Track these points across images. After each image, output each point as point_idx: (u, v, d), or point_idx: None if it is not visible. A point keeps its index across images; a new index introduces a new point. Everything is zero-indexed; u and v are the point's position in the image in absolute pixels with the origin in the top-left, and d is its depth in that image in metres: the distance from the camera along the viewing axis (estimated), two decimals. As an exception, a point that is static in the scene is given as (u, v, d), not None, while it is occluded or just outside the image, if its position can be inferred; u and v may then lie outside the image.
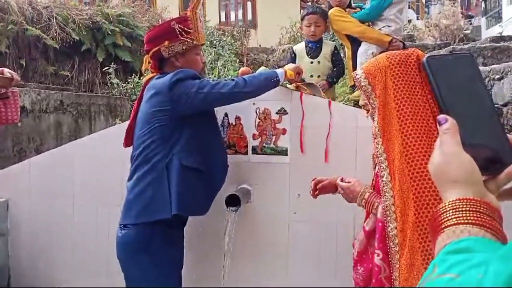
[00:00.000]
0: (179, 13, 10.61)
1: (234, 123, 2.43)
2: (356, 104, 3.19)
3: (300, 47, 3.29)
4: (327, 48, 3.19)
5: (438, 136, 0.66)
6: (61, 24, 6.41)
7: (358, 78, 1.59)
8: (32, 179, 2.66)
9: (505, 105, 3.06)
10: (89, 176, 2.57)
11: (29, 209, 2.65)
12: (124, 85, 5.96)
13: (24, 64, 6.09)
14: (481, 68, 3.58)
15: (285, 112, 2.37)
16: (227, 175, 2.37)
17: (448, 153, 0.63)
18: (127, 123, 2.83)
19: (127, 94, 5.88)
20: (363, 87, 1.57)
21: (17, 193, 2.66)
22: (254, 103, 2.38)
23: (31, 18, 6.29)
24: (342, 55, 3.54)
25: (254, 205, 2.38)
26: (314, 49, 3.19)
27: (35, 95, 3.92)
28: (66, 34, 6.35)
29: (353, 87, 3.25)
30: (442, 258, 0.53)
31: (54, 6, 6.67)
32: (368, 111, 1.63)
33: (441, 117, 0.66)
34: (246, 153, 2.42)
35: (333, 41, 4.30)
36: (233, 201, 2.18)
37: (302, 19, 3.35)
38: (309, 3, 14.69)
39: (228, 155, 2.40)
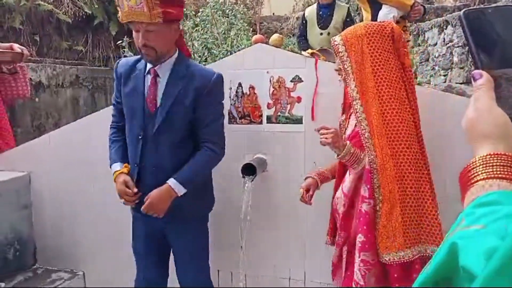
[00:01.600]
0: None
1: (248, 93, 2.41)
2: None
3: (311, 13, 3.21)
4: (339, 15, 3.10)
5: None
6: (73, -2, 6.40)
7: (336, 45, 1.73)
8: (52, 152, 2.71)
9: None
10: (107, 148, 2.60)
11: (50, 182, 2.72)
12: (138, 58, 5.95)
13: (38, 40, 6.13)
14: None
15: (299, 80, 2.34)
16: (243, 144, 2.39)
17: (480, 108, 0.63)
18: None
19: (141, 67, 5.88)
20: (340, 53, 1.72)
21: (39, 167, 2.73)
22: (267, 72, 2.36)
23: (43, -7, 6.28)
24: (358, 19, 3.45)
25: (270, 173, 2.39)
26: (325, 18, 3.10)
27: (51, 70, 3.95)
28: (78, 8, 6.35)
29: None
30: (470, 211, 0.54)
31: (65, -20, 6.64)
32: (341, 75, 1.76)
33: (475, 72, 0.66)
34: (260, 123, 2.41)
35: (348, 2, 4.18)
36: (248, 170, 2.20)
37: None
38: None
39: (242, 125, 2.41)
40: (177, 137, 1.92)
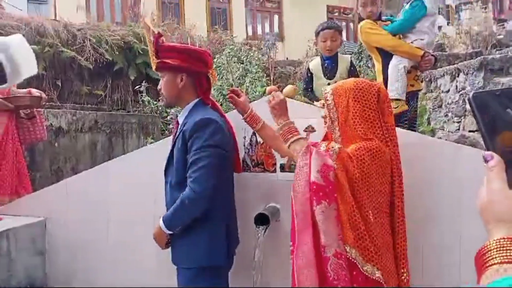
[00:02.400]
0: (207, 30, 10.83)
1: (261, 141, 2.45)
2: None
3: (316, 66, 3.28)
4: (343, 66, 3.18)
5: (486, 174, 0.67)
6: (95, 45, 6.67)
7: (325, 93, 1.87)
8: (69, 199, 2.75)
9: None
10: (124, 196, 2.64)
11: (66, 229, 2.74)
12: (155, 102, 6.11)
13: (60, 85, 6.35)
14: (514, 78, 3.49)
15: (312, 130, 2.37)
16: (257, 193, 2.40)
17: (494, 190, 0.65)
18: (159, 142, 2.91)
19: (158, 112, 6.02)
20: (328, 101, 1.85)
21: (55, 213, 2.76)
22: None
23: (66, 40, 6.58)
24: (370, 65, 3.52)
25: (283, 223, 2.38)
26: (330, 68, 3.19)
27: (71, 116, 4.08)
28: (100, 54, 6.60)
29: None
30: None
31: (87, 28, 6.96)
32: (326, 122, 1.88)
33: (487, 154, 0.68)
34: (274, 171, 2.44)
35: (360, 53, 4.27)
36: (262, 219, 2.20)
37: (317, 34, 3.27)
38: (336, 14, 14.69)
39: (256, 173, 2.43)
40: (174, 179, 2.02)
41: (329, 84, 3.16)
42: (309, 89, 3.36)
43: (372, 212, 1.71)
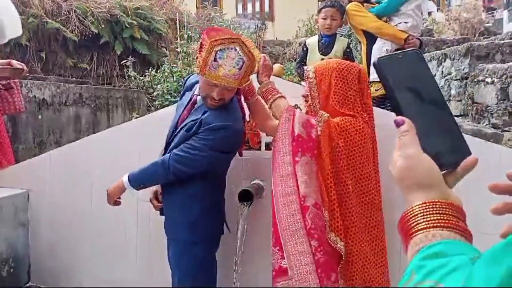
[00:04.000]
0: (196, 6, 10.67)
1: (248, 119, 2.45)
2: (373, 99, 3.18)
3: (313, 41, 3.28)
4: (339, 45, 3.16)
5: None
6: (80, 17, 6.51)
7: (307, 71, 1.92)
8: (52, 171, 2.73)
9: (523, 103, 3.02)
10: (107, 169, 2.63)
11: (49, 201, 2.73)
12: (141, 78, 6.04)
13: (44, 57, 6.22)
14: (499, 65, 3.54)
15: (298, 108, 2.38)
16: (242, 170, 2.42)
17: (408, 155, 0.65)
18: (143, 118, 2.90)
19: (144, 87, 5.96)
20: (310, 79, 1.89)
21: (38, 185, 2.75)
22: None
23: (51, 11, 6.40)
24: (359, 49, 3.52)
25: (267, 200, 2.41)
26: (326, 45, 3.17)
27: (55, 88, 4.01)
28: (85, 27, 6.45)
29: (368, 83, 3.22)
30: (418, 264, 0.55)
31: (73, -1, 6.78)
32: (307, 101, 1.93)
33: (398, 118, 0.68)
34: (259, 149, 2.45)
35: (349, 36, 4.26)
36: (246, 196, 2.22)
37: (319, 11, 3.32)
38: (327, -5, 14.58)
39: (242, 151, 2.44)
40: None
41: (322, 59, 3.17)
42: (303, 63, 3.37)
43: (352, 185, 1.75)
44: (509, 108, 3.20)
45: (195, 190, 1.99)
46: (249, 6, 13.88)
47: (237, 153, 2.16)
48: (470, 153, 0.68)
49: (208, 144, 1.89)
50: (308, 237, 1.70)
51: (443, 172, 0.66)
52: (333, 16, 3.15)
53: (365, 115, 1.85)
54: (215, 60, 1.78)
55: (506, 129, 3.19)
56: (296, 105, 2.39)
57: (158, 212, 2.17)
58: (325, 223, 1.71)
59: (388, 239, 1.88)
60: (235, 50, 1.78)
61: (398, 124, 0.67)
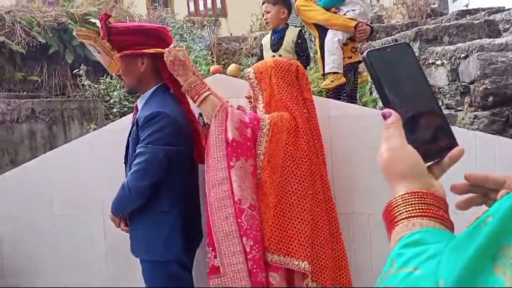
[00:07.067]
0: (147, 8, 10.46)
1: (209, 122, 2.43)
2: (326, 92, 3.22)
3: (266, 40, 3.26)
4: (289, 37, 3.06)
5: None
6: (26, 28, 6.26)
7: (248, 72, 1.98)
8: (10, 192, 2.63)
9: (471, 82, 3.14)
10: (67, 186, 2.55)
11: (10, 224, 2.63)
12: (96, 86, 5.88)
13: (-9, 72, 5.95)
14: (447, 47, 3.67)
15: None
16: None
17: (393, 147, 0.67)
18: (102, 129, 2.82)
19: (100, 96, 5.80)
20: (251, 80, 1.95)
21: (-5, 209, 2.63)
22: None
23: (-7, 25, 6.13)
24: (313, 39, 3.51)
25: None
26: (276, 41, 3.13)
27: (5, 105, 3.85)
28: (32, 38, 6.21)
29: (324, 76, 3.26)
30: (398, 252, 0.57)
31: (16, 10, 6.51)
32: (251, 102, 1.99)
33: (385, 111, 0.69)
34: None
35: (303, 26, 4.25)
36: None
37: None
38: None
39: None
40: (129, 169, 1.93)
41: (273, 56, 3.16)
42: None
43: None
44: (460, 88, 3.32)
45: (161, 206, 1.90)
46: (201, 3, 13.76)
47: (198, 162, 2.08)
48: (456, 144, 0.70)
49: (151, 139, 1.82)
50: (242, 238, 1.78)
51: (430, 163, 0.69)
52: (267, 10, 3.11)
53: (304, 110, 1.92)
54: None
55: (459, 108, 3.31)
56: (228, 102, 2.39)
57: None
58: (259, 222, 1.80)
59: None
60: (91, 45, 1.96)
61: (385, 117, 0.69)
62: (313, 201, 1.87)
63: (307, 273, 1.77)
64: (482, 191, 0.71)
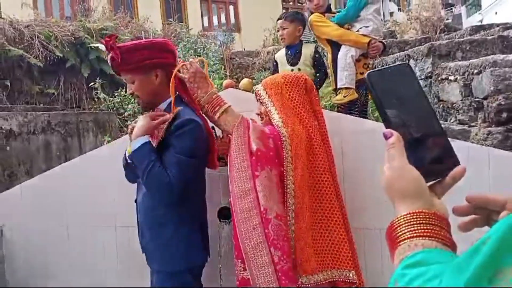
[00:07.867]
0: (162, 23, 10.64)
1: (221, 136, 2.45)
2: (338, 107, 3.22)
3: (281, 55, 3.29)
4: (306, 52, 3.13)
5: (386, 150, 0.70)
6: (44, 42, 6.41)
7: (257, 90, 2.00)
8: (24, 203, 2.67)
9: (485, 98, 3.12)
10: (82, 197, 2.59)
11: (23, 234, 2.66)
12: (111, 99, 5.96)
13: (9, 85, 6.08)
14: (460, 62, 3.65)
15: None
16: (220, 187, 2.41)
17: (394, 167, 0.68)
18: (116, 142, 2.86)
19: (114, 109, 5.88)
20: (261, 95, 1.97)
21: (11, 219, 2.68)
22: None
23: (13, 38, 6.28)
24: (325, 54, 3.53)
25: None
26: (293, 56, 3.17)
27: (22, 118, 3.92)
28: (50, 51, 6.35)
29: (336, 90, 3.27)
30: (401, 273, 0.58)
31: (35, 25, 6.67)
32: (263, 118, 1.99)
33: (386, 131, 0.70)
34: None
35: (315, 41, 4.28)
36: (225, 213, 2.22)
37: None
38: (291, 3, 14.76)
39: (219, 167, 2.43)
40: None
41: (292, 71, 3.19)
42: None
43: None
44: (474, 104, 3.30)
45: (182, 216, 1.89)
46: (215, 19, 13.94)
47: (211, 168, 2.10)
48: (458, 163, 0.70)
49: (184, 149, 1.80)
50: (270, 249, 1.76)
51: (432, 183, 0.69)
52: (283, 26, 3.16)
53: (315, 123, 1.94)
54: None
55: (473, 124, 3.29)
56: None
57: (138, 237, 2.10)
58: (287, 233, 1.79)
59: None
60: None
61: (386, 137, 0.70)
62: (341, 212, 1.91)
63: (355, 282, 1.80)
64: (485, 212, 0.70)
